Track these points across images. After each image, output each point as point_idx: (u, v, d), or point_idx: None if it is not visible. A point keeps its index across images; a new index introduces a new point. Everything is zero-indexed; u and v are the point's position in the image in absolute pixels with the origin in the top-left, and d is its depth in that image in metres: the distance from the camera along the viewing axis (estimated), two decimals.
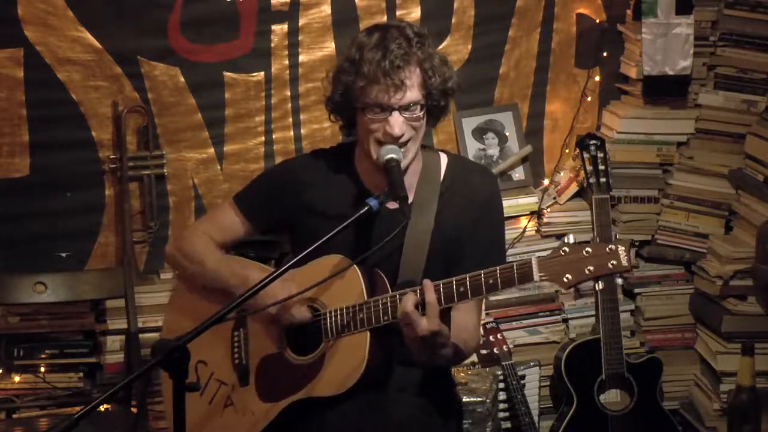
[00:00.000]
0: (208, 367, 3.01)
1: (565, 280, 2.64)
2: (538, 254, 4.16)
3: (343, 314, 2.85)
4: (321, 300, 2.91)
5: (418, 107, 2.85)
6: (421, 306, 2.70)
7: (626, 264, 2.62)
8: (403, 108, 2.83)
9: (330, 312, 2.88)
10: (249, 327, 3.01)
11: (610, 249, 2.61)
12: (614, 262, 2.61)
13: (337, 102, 2.93)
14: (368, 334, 2.82)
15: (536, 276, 2.66)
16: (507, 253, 4.21)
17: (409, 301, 2.70)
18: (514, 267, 2.69)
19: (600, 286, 3.86)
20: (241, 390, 2.98)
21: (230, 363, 3.00)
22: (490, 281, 2.70)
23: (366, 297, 2.83)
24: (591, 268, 2.62)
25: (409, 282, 2.88)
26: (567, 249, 2.65)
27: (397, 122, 2.82)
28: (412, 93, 2.82)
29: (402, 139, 2.85)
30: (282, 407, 2.90)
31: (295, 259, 2.72)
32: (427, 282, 2.72)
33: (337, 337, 2.86)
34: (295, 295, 2.83)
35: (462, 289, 2.72)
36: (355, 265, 2.84)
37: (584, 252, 2.63)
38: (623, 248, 2.62)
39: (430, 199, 2.97)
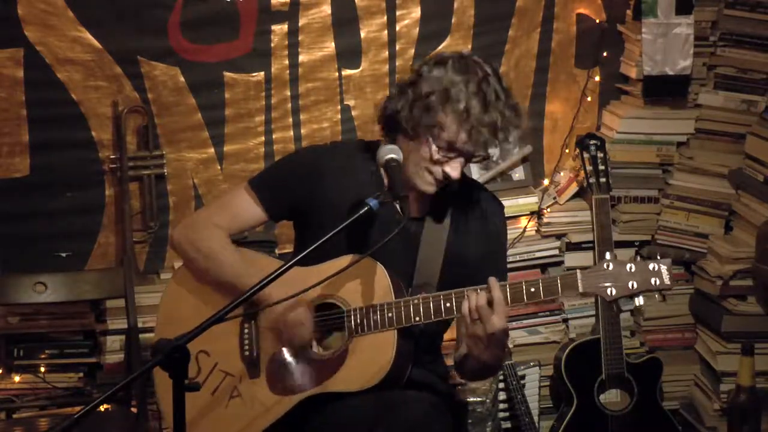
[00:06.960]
0: (211, 357, 2.98)
1: (609, 293, 2.75)
2: (537, 254, 4.32)
3: (370, 312, 2.86)
4: (344, 297, 2.91)
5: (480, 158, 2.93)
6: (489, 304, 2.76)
7: (669, 282, 2.72)
8: (472, 159, 2.88)
9: (355, 309, 2.88)
10: (261, 320, 2.98)
11: (653, 267, 2.72)
12: (657, 281, 2.72)
13: (407, 115, 2.84)
14: (395, 333, 2.84)
15: (581, 287, 2.76)
16: (507, 253, 4.24)
17: (482, 297, 2.74)
18: (558, 278, 2.77)
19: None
20: (250, 382, 2.96)
21: (239, 354, 2.98)
22: (532, 290, 2.77)
23: (393, 296, 2.85)
24: (634, 284, 2.73)
25: (424, 285, 2.90)
26: (611, 264, 2.74)
27: (459, 167, 2.84)
28: (484, 150, 2.88)
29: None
30: (297, 400, 2.90)
31: (296, 258, 2.69)
32: (492, 279, 2.75)
33: (362, 335, 2.87)
34: (318, 284, 2.78)
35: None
36: (379, 264, 2.85)
37: (627, 268, 2.73)
38: (665, 267, 2.72)
39: (445, 207, 2.98)
